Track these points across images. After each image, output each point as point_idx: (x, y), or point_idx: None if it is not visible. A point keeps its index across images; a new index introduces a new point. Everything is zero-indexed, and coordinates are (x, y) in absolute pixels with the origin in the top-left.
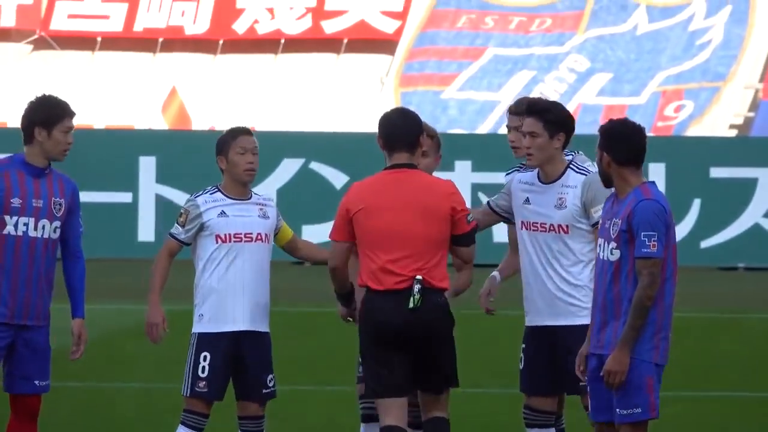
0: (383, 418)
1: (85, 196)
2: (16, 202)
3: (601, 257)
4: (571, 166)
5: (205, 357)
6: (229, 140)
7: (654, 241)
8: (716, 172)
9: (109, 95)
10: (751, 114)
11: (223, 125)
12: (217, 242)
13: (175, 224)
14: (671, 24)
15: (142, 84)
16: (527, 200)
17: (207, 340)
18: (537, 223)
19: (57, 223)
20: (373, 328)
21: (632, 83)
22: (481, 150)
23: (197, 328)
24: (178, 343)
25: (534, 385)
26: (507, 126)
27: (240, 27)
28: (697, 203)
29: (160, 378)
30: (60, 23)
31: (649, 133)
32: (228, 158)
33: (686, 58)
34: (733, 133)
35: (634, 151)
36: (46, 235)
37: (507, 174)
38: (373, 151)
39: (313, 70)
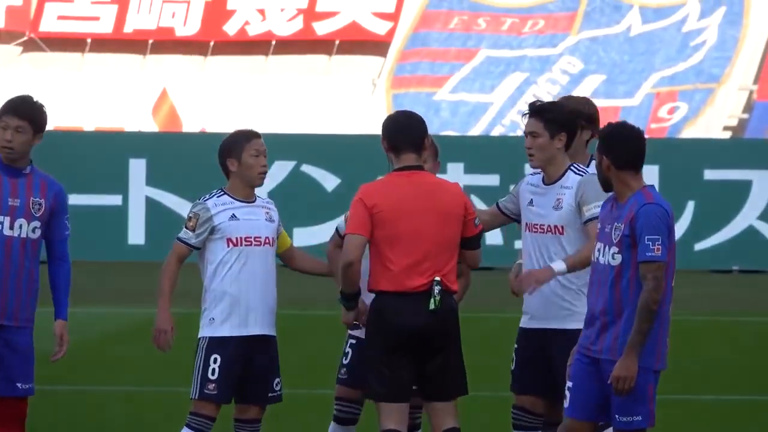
0: (385, 422)
1: (74, 199)
2: None
3: (600, 261)
4: (571, 167)
5: (215, 359)
6: (243, 142)
7: (658, 244)
8: (710, 174)
9: (99, 97)
10: (746, 116)
11: (214, 127)
12: (228, 246)
13: (184, 229)
14: (665, 25)
15: (132, 86)
16: (531, 202)
17: (217, 343)
18: (537, 224)
19: (36, 224)
20: (389, 331)
21: (626, 85)
22: (473, 152)
23: (207, 331)
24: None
25: (523, 385)
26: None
27: (231, 28)
28: (691, 205)
29: (150, 382)
30: (49, 24)
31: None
32: (241, 160)
33: (680, 59)
34: (728, 134)
35: (634, 155)
36: (23, 235)
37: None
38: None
39: (305, 71)
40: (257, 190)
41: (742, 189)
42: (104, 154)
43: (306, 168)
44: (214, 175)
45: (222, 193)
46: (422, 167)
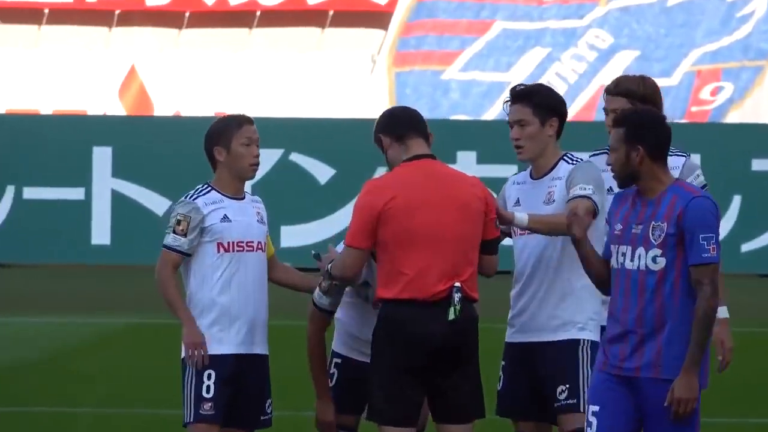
0: None
1: (29, 193)
2: None
3: (629, 267)
4: (565, 157)
5: (209, 375)
6: (233, 128)
7: (713, 243)
8: (759, 165)
9: (59, 76)
10: None
11: (190, 110)
12: (219, 251)
13: (172, 234)
14: None
15: (95, 63)
16: (517, 201)
17: (210, 359)
18: None
19: None
20: (400, 344)
21: (662, 62)
22: (487, 139)
23: None
24: (136, 360)
25: (517, 409)
26: (604, 109)
27: None
28: (737, 200)
29: (119, 402)
30: None
31: (682, 120)
32: (231, 149)
33: (724, 32)
34: None
35: (665, 143)
36: None
37: (591, 156)
38: (364, 140)
39: (294, 46)
40: (246, 185)
41: None
42: (64, 141)
43: (295, 157)
44: (190, 166)
45: (209, 188)
46: (435, 156)
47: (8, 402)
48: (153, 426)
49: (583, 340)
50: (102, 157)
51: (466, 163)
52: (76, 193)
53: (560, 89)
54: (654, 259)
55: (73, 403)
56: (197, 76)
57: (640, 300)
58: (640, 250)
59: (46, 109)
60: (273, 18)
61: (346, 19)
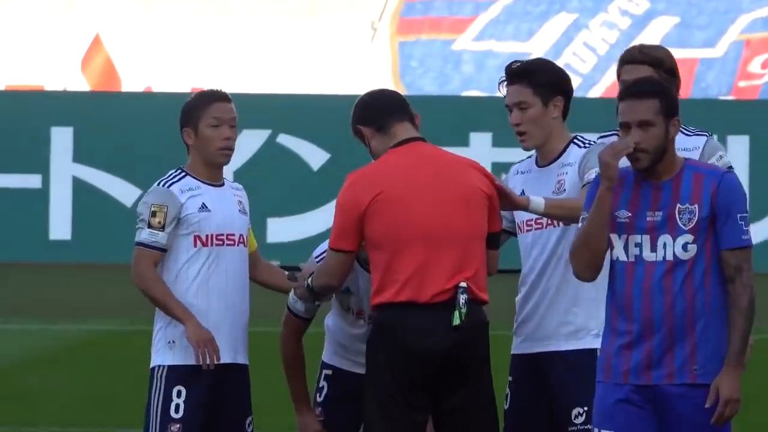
0: None
1: None
2: None
3: (650, 259)
4: (575, 140)
5: (179, 392)
6: (200, 107)
7: (748, 225)
8: None
9: (12, 47)
10: None
11: (162, 86)
12: (195, 245)
13: (147, 229)
14: None
15: (55, 31)
16: (522, 193)
17: (181, 373)
18: (532, 219)
19: None
20: (398, 356)
21: (705, 30)
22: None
23: (165, 358)
24: (97, 374)
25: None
26: (622, 81)
27: None
28: None
29: (78, 420)
30: None
31: (728, 96)
32: (198, 131)
33: None
34: None
35: None
36: None
37: (600, 138)
38: None
39: (282, 12)
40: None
41: None
42: (18, 120)
43: (284, 139)
44: (163, 149)
45: (183, 173)
46: (425, 139)
47: None
48: None
49: (599, 349)
50: (62, 138)
51: (480, 145)
52: (31, 181)
53: (588, 61)
54: (684, 247)
55: (30, 420)
56: (171, 45)
57: (667, 295)
58: (665, 238)
59: None
60: None
61: None
